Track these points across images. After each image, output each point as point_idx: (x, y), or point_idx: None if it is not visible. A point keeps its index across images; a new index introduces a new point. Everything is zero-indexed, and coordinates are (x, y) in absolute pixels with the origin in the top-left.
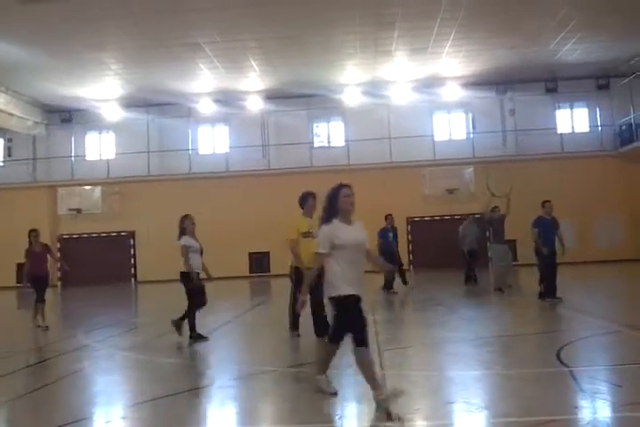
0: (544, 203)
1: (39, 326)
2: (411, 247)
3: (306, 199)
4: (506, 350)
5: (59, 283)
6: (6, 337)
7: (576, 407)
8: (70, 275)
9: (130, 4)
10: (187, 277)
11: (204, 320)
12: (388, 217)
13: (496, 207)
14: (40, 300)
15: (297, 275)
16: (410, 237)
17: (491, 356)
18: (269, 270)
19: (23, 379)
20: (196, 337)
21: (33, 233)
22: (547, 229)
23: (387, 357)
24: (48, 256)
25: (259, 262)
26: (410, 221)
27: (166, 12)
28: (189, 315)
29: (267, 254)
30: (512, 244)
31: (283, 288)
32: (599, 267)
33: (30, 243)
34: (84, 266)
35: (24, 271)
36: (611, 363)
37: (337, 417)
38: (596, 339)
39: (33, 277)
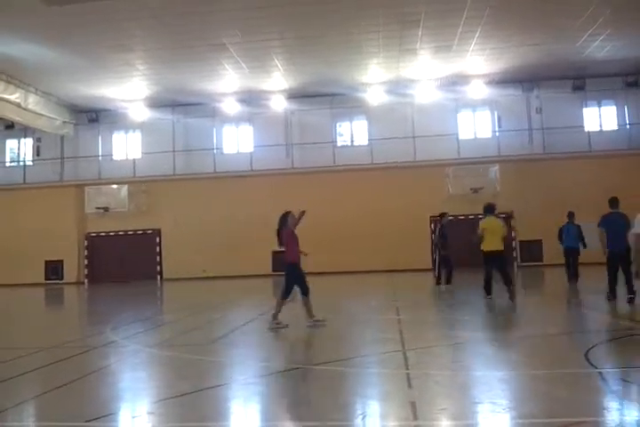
0: None
1: (314, 322)
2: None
3: None
4: (532, 351)
5: (85, 280)
6: (35, 333)
7: (605, 409)
8: (97, 272)
9: (155, 6)
10: None
11: (228, 318)
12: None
13: None
14: (306, 292)
15: None
16: (433, 236)
17: (517, 356)
18: None
19: (51, 374)
20: None
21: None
22: None
23: (411, 356)
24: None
25: (281, 261)
26: (433, 220)
27: (191, 14)
28: None
29: None
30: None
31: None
32: None
33: (284, 222)
34: (111, 263)
35: (289, 257)
36: None
37: (360, 416)
38: (626, 340)
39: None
